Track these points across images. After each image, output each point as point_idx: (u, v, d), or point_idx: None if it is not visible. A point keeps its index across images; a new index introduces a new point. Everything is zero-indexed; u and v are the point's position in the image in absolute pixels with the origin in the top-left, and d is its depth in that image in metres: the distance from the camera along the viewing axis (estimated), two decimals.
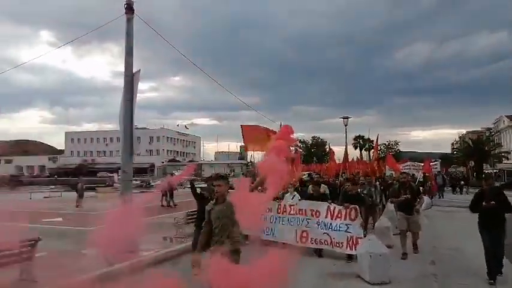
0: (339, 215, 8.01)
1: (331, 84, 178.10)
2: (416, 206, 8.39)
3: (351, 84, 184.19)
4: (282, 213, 8.83)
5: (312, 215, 8.30)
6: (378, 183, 13.29)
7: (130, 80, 8.34)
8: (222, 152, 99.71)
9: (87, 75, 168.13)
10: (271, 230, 8.84)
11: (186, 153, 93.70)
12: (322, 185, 10.38)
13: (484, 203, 6.39)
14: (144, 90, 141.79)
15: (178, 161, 79.68)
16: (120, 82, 8.56)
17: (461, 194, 28.69)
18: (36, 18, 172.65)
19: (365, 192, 10.42)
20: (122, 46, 8.56)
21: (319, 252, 8.34)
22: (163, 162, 75.08)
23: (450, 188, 30.29)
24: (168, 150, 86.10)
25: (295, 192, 9.78)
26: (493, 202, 6.29)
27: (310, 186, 10.60)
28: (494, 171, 41.30)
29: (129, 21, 8.38)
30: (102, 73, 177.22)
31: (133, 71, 8.42)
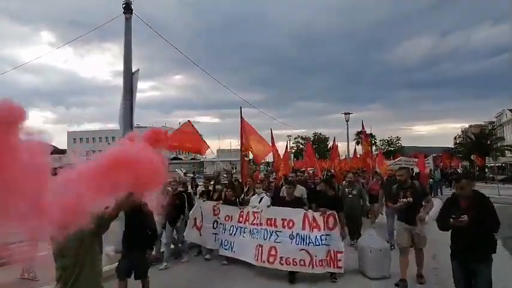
0: (317, 224, 6.46)
1: (333, 79, 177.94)
2: (421, 213, 5.79)
3: (353, 79, 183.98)
4: (244, 223, 7.26)
5: (283, 226, 6.58)
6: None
7: (130, 79, 8.35)
8: (224, 149, 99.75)
9: (88, 75, 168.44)
10: (230, 243, 7.36)
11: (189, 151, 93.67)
12: (299, 186, 8.28)
13: (451, 218, 4.11)
14: (145, 89, 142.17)
15: (181, 159, 79.91)
16: (120, 81, 8.58)
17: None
18: (37, 19, 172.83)
19: (354, 192, 8.92)
20: (122, 46, 8.57)
21: (291, 277, 6.47)
22: None
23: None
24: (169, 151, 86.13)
25: (264, 194, 7.97)
26: (464, 216, 4.02)
27: (283, 187, 8.46)
28: (497, 164, 41.12)
29: (128, 20, 8.38)
30: (102, 72, 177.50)
31: (133, 71, 8.43)
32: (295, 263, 6.34)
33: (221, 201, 7.99)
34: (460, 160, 37.31)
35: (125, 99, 8.35)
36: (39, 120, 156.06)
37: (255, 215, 7.12)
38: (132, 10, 8.39)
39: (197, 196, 9.10)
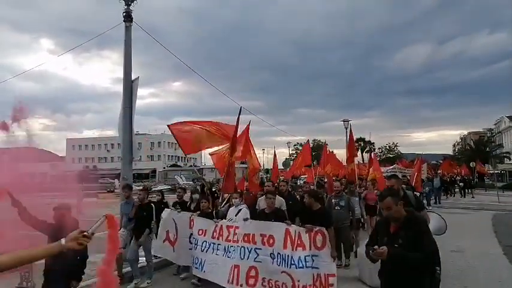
0: (301, 243, 5.41)
1: (332, 86, 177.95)
2: None
3: (352, 86, 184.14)
4: (217, 238, 6.22)
5: (262, 242, 5.62)
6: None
7: (129, 87, 8.37)
8: None
9: (88, 82, 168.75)
10: (201, 262, 6.40)
11: (188, 158, 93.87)
12: (278, 197, 7.12)
13: (373, 248, 3.18)
14: (145, 96, 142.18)
15: (180, 166, 79.83)
16: (120, 88, 8.61)
17: (463, 196, 27.42)
18: (36, 27, 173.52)
19: (342, 203, 7.85)
20: (121, 53, 8.61)
21: None
22: (164, 168, 75.20)
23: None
24: (169, 156, 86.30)
25: (244, 205, 6.80)
26: (383, 248, 3.10)
27: (261, 198, 7.60)
28: (496, 171, 41.12)
29: (128, 29, 8.43)
30: (102, 79, 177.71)
31: (132, 78, 8.46)
32: (277, 287, 5.44)
33: (197, 212, 7.13)
34: (463, 166, 36.33)
35: (124, 106, 8.36)
36: (38, 127, 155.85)
37: (230, 230, 6.06)
38: (132, 18, 8.44)
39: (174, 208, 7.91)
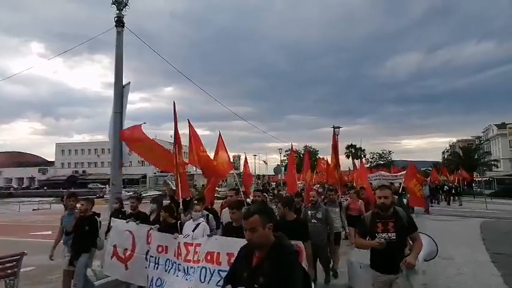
0: None
1: (324, 93, 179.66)
2: (409, 257, 3.89)
3: (343, 93, 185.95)
4: (177, 257, 5.32)
5: (229, 263, 4.58)
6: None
7: (120, 92, 8.34)
8: None
9: (78, 86, 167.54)
10: (162, 282, 5.46)
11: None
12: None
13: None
14: (136, 101, 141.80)
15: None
16: (111, 93, 8.57)
17: (448, 204, 27.22)
18: (26, 30, 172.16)
19: (319, 216, 6.76)
20: (112, 58, 8.59)
21: None
22: (155, 173, 74.70)
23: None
24: None
25: (202, 219, 5.78)
26: None
27: (225, 209, 6.68)
28: (484, 179, 41.66)
29: (119, 34, 8.42)
30: (92, 84, 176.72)
31: (123, 83, 8.43)
32: None
33: (156, 226, 5.97)
34: (456, 173, 36.07)
35: (115, 111, 8.32)
36: (27, 131, 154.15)
37: (189, 247, 5.18)
38: (123, 24, 8.44)
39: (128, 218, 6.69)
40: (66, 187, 53.65)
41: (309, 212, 6.88)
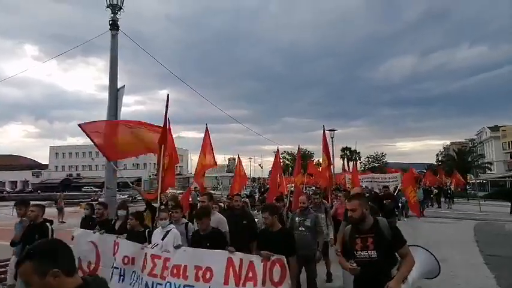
0: (251, 276, 4.16)
1: (319, 96, 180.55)
2: (392, 283, 3.19)
3: (338, 95, 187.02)
4: (142, 271, 4.77)
5: (196, 277, 4.31)
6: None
7: (115, 95, 8.33)
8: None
9: (72, 89, 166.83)
10: None
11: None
12: (216, 214, 5.91)
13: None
14: (130, 103, 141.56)
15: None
16: (105, 95, 8.56)
17: (439, 206, 26.39)
18: (20, 32, 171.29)
19: (307, 223, 5.90)
20: (106, 60, 8.58)
21: None
22: (150, 176, 74.44)
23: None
24: (155, 164, 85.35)
25: (172, 226, 5.15)
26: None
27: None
28: (478, 181, 41.96)
29: (114, 37, 8.42)
30: (87, 86, 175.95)
31: (118, 87, 8.42)
32: None
33: (125, 234, 5.47)
34: (454, 176, 35.38)
35: (109, 115, 8.30)
36: (21, 134, 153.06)
37: (156, 260, 4.67)
38: (118, 27, 8.43)
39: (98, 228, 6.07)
40: (60, 190, 53.23)
41: (297, 218, 6.06)
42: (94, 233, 5.78)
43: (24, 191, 74.26)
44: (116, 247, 5.29)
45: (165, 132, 6.58)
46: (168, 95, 6.83)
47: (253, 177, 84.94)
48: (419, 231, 14.20)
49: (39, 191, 66.76)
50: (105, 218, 6.45)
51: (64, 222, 18.65)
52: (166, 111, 6.69)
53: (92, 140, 6.93)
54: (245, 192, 21.10)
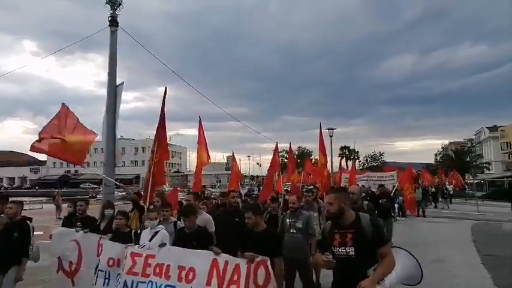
0: (235, 279, 3.98)
1: (318, 94, 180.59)
2: (364, 282, 2.93)
3: (338, 94, 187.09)
4: (130, 273, 4.52)
5: (179, 277, 4.20)
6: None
7: (114, 92, 8.30)
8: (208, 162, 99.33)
9: (71, 85, 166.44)
10: None
11: (172, 163, 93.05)
12: (204, 213, 5.73)
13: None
14: (129, 100, 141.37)
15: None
16: (104, 92, 8.52)
17: (435, 206, 25.69)
18: (19, 28, 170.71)
19: (299, 225, 5.56)
20: (105, 56, 8.55)
21: None
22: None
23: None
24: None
25: (161, 226, 4.97)
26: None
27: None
28: (476, 181, 42.06)
29: (113, 33, 8.37)
30: (85, 83, 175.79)
31: (117, 83, 8.38)
32: None
33: (110, 235, 5.26)
34: (454, 175, 35.02)
35: (108, 111, 8.27)
36: (19, 130, 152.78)
37: (135, 258, 4.55)
38: (117, 23, 8.39)
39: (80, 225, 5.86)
40: (58, 187, 53.23)
41: (288, 220, 5.70)
42: (77, 231, 5.53)
43: (22, 187, 74.24)
44: (100, 248, 5.07)
45: (163, 128, 6.60)
46: (165, 88, 6.81)
47: (251, 175, 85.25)
48: (417, 231, 14.25)
49: (37, 187, 66.76)
50: (88, 215, 6.20)
51: (61, 219, 18.69)
52: (163, 106, 6.66)
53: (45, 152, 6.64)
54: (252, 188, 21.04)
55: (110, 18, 8.35)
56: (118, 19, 8.42)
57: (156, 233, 4.82)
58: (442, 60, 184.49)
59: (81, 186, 64.53)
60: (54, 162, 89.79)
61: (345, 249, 3.15)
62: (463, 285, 7.07)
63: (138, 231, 5.25)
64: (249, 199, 9.97)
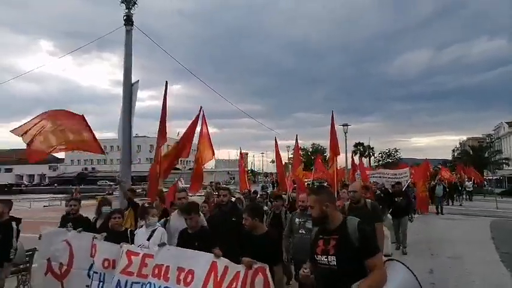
0: (233, 286, 3.69)
1: (332, 91, 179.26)
2: None
3: (352, 91, 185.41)
4: (124, 273, 4.33)
5: (177, 280, 3.99)
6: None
7: (129, 90, 8.40)
8: (223, 159, 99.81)
9: (87, 84, 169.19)
10: None
11: (187, 161, 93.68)
12: (200, 214, 5.04)
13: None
14: (144, 98, 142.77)
15: (179, 169, 79.60)
16: (120, 91, 8.63)
17: (449, 204, 24.48)
18: (35, 28, 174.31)
19: (309, 226, 5.11)
20: (121, 56, 8.64)
21: None
22: None
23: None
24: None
25: (159, 224, 4.97)
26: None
27: (174, 213, 5.46)
28: (495, 177, 41.21)
29: (128, 32, 8.45)
30: (101, 82, 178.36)
31: (132, 82, 8.49)
32: None
33: (104, 234, 4.97)
34: (471, 170, 34.03)
35: (124, 109, 8.38)
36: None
37: (132, 257, 4.35)
38: (132, 22, 8.47)
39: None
40: (76, 184, 54.29)
41: (297, 219, 5.43)
42: (68, 230, 5.21)
43: (41, 184, 76.03)
44: (94, 249, 4.81)
45: (163, 123, 7.12)
46: (166, 82, 7.09)
47: (265, 172, 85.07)
48: (433, 228, 14.06)
49: (55, 184, 68.27)
50: (80, 214, 5.87)
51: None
52: (165, 99, 7.00)
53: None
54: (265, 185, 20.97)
55: (124, 17, 8.43)
56: (133, 18, 8.51)
57: (154, 231, 4.69)
58: (457, 55, 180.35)
59: (98, 183, 65.60)
60: (72, 160, 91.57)
61: (327, 258, 2.70)
62: (480, 282, 6.97)
63: (135, 232, 4.99)
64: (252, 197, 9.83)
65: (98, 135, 6.98)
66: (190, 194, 6.27)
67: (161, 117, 7.63)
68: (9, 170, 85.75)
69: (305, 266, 2.88)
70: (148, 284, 4.08)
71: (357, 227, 2.68)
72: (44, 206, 26.72)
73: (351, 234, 2.65)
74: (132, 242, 4.70)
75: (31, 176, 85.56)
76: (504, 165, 57.93)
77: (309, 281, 2.84)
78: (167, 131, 7.93)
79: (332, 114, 11.63)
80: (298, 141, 12.66)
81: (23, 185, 71.95)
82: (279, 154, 13.27)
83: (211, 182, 17.87)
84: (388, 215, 9.86)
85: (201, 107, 8.90)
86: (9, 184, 65.96)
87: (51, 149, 6.87)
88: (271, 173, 74.60)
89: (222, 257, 3.90)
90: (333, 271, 2.65)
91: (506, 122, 72.56)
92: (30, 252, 5.99)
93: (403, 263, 3.10)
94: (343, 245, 2.64)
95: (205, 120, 9.19)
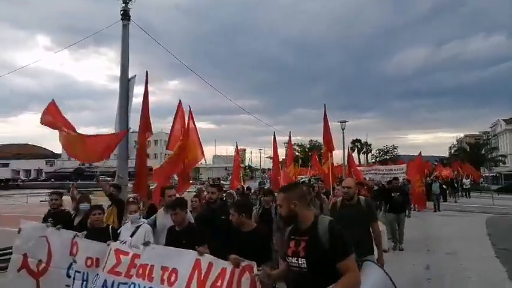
0: (219, 283, 3.45)
1: (330, 87, 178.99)
2: None
3: (349, 87, 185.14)
4: (112, 272, 4.14)
5: (161, 280, 3.78)
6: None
7: (126, 85, 8.36)
8: (221, 155, 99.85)
9: (84, 79, 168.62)
10: None
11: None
12: (187, 211, 4.87)
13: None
14: (141, 94, 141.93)
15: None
16: (117, 86, 8.60)
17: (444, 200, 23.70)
18: (32, 23, 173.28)
19: None
20: (118, 51, 8.61)
21: None
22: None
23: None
24: (165, 154, 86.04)
25: (143, 220, 4.88)
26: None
27: (160, 210, 5.35)
28: (491, 174, 41.42)
29: (125, 27, 8.41)
30: (98, 77, 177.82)
31: (129, 77, 8.45)
32: None
33: (85, 232, 4.71)
34: (467, 166, 34.09)
35: (120, 105, 8.35)
36: (35, 124, 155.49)
37: (120, 256, 4.17)
38: (129, 17, 8.43)
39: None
40: (73, 179, 54.20)
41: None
42: (48, 226, 4.96)
43: (38, 180, 75.83)
44: (76, 247, 4.59)
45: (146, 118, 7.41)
46: (146, 72, 7.56)
47: (263, 169, 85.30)
48: (430, 224, 14.13)
49: (52, 180, 68.10)
50: (62, 209, 5.71)
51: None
52: (146, 90, 7.55)
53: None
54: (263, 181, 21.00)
55: (122, 12, 8.39)
56: (130, 13, 8.46)
57: (137, 227, 4.55)
58: (455, 52, 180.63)
59: (95, 179, 65.56)
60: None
61: (297, 260, 2.54)
62: (476, 278, 7.01)
63: (118, 231, 4.82)
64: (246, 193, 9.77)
65: (95, 130, 7.01)
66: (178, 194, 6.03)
67: (143, 110, 7.86)
68: (5, 165, 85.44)
69: (264, 266, 2.88)
70: (132, 285, 3.91)
71: (327, 227, 2.49)
72: (41, 201, 26.66)
73: (321, 235, 2.47)
74: (115, 239, 4.52)
75: (27, 171, 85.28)
76: (500, 163, 58.27)
77: (267, 281, 2.80)
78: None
79: (325, 108, 11.47)
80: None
81: (19, 180, 71.69)
82: (277, 151, 13.29)
83: (209, 178, 17.84)
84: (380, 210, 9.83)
85: (179, 101, 8.96)
86: (6, 179, 65.69)
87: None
88: (268, 169, 74.86)
89: (206, 254, 3.72)
90: (303, 274, 2.50)
91: (503, 120, 72.89)
92: None
93: (378, 265, 3.03)
94: (313, 246, 2.47)
95: (191, 115, 8.85)
